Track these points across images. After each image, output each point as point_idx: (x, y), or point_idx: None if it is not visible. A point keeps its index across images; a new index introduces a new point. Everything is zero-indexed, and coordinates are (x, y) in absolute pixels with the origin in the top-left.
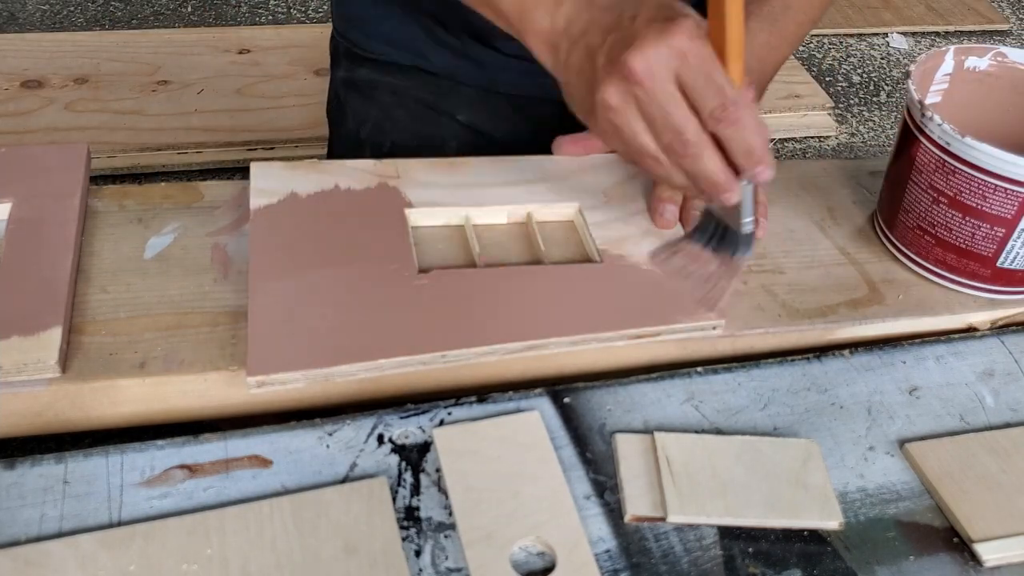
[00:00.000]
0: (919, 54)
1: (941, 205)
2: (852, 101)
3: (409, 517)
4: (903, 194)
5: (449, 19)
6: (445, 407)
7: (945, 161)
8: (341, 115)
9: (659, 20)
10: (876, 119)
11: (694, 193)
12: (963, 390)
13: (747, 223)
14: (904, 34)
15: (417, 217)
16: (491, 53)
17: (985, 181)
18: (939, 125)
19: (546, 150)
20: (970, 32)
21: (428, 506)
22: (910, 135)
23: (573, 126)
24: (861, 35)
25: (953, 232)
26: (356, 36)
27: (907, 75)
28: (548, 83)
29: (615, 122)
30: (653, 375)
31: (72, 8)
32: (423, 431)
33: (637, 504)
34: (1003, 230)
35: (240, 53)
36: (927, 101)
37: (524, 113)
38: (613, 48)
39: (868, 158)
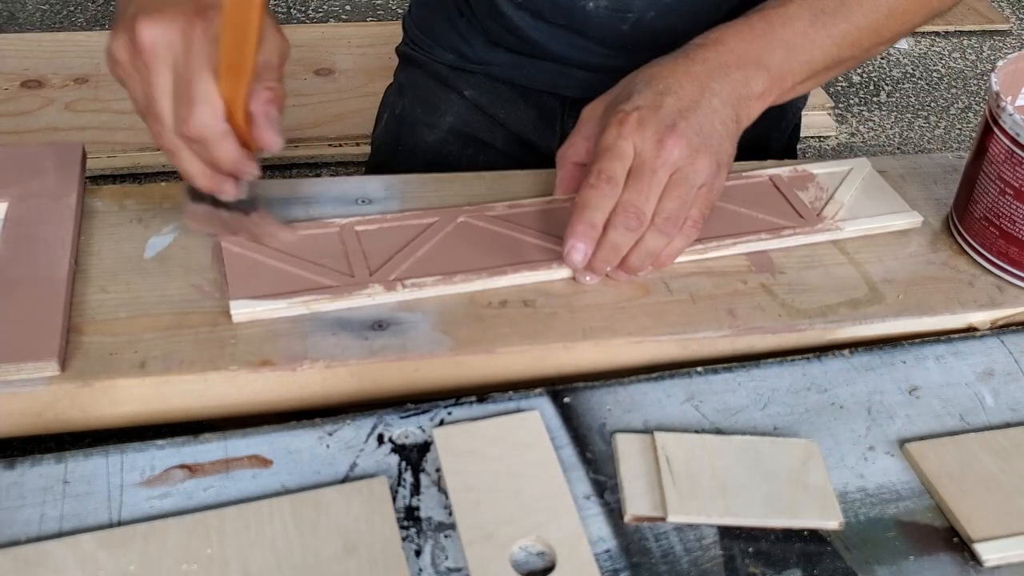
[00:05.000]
0: (919, 54)
1: (1007, 196)
2: (852, 101)
3: (409, 517)
4: (974, 185)
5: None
6: (445, 407)
7: (1014, 152)
8: (391, 118)
9: (190, 4)
10: (876, 119)
11: None
12: (963, 390)
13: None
14: None
15: None
16: (502, 53)
17: None
18: (1010, 115)
19: (545, 139)
20: (970, 32)
21: (428, 506)
22: (987, 126)
23: (574, 119)
24: None
25: (1016, 224)
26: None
27: (993, 69)
28: (557, 79)
29: (119, 76)
30: (653, 375)
31: (72, 8)
32: (423, 431)
33: (637, 504)
34: None
35: None
36: (1018, 103)
37: (527, 100)
38: (142, 8)
39: (867, 158)
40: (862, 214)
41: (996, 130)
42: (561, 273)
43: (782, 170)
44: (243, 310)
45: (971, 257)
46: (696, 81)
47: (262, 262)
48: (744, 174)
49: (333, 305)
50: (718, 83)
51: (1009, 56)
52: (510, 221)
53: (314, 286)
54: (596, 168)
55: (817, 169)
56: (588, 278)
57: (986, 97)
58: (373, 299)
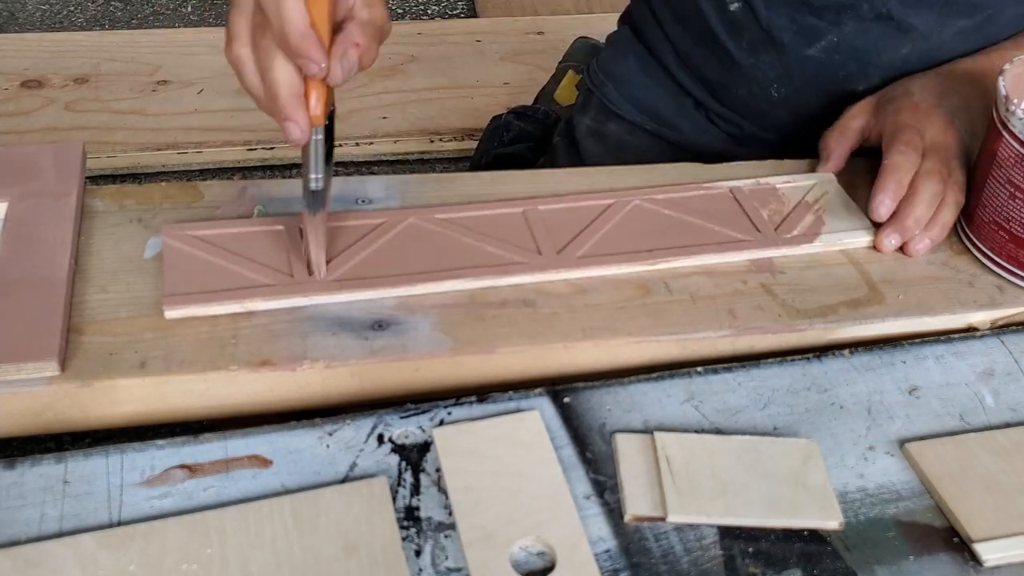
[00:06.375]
0: None
1: (1017, 200)
2: None
3: (409, 517)
4: (983, 188)
5: (699, 94)
6: (445, 407)
7: None
8: (569, 152)
9: None
10: None
11: (266, 109)
12: (963, 390)
13: (313, 179)
14: None
15: None
16: (735, 128)
17: None
18: (1020, 119)
19: None
20: None
21: (428, 506)
22: (994, 130)
23: None
24: None
25: None
26: (609, 92)
27: (1000, 72)
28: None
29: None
30: (653, 375)
31: (72, 8)
32: (423, 431)
33: (637, 504)
34: None
35: None
36: None
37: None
38: None
39: (867, 159)
40: (828, 230)
41: (1005, 134)
42: (488, 282)
43: (744, 183)
44: (176, 307)
45: (979, 260)
46: (959, 94)
47: (202, 259)
48: (704, 185)
49: (267, 304)
50: (976, 100)
51: (1016, 59)
52: (459, 225)
53: (249, 284)
54: (902, 138)
55: (780, 182)
56: (893, 240)
57: (994, 101)
58: (310, 299)
